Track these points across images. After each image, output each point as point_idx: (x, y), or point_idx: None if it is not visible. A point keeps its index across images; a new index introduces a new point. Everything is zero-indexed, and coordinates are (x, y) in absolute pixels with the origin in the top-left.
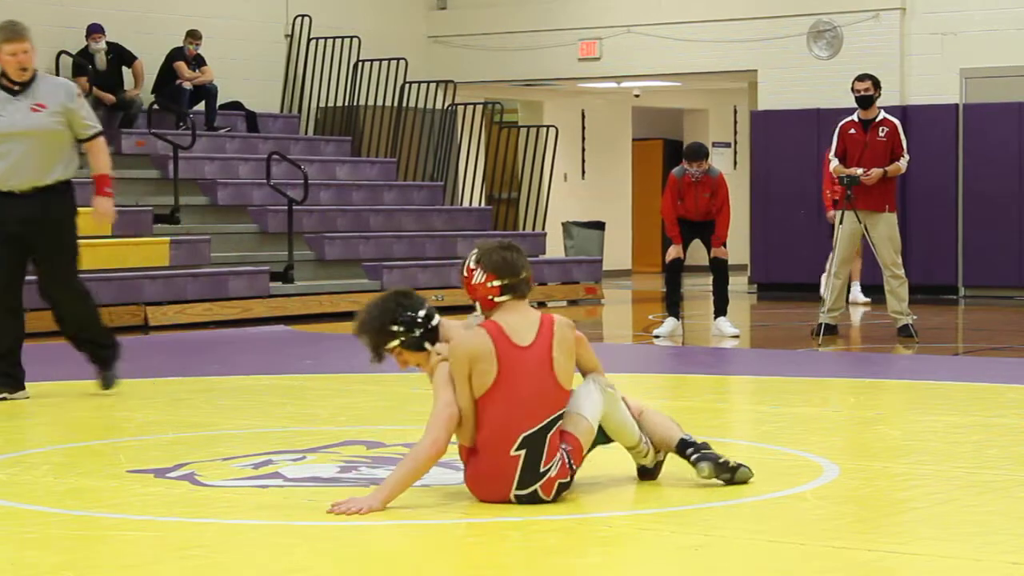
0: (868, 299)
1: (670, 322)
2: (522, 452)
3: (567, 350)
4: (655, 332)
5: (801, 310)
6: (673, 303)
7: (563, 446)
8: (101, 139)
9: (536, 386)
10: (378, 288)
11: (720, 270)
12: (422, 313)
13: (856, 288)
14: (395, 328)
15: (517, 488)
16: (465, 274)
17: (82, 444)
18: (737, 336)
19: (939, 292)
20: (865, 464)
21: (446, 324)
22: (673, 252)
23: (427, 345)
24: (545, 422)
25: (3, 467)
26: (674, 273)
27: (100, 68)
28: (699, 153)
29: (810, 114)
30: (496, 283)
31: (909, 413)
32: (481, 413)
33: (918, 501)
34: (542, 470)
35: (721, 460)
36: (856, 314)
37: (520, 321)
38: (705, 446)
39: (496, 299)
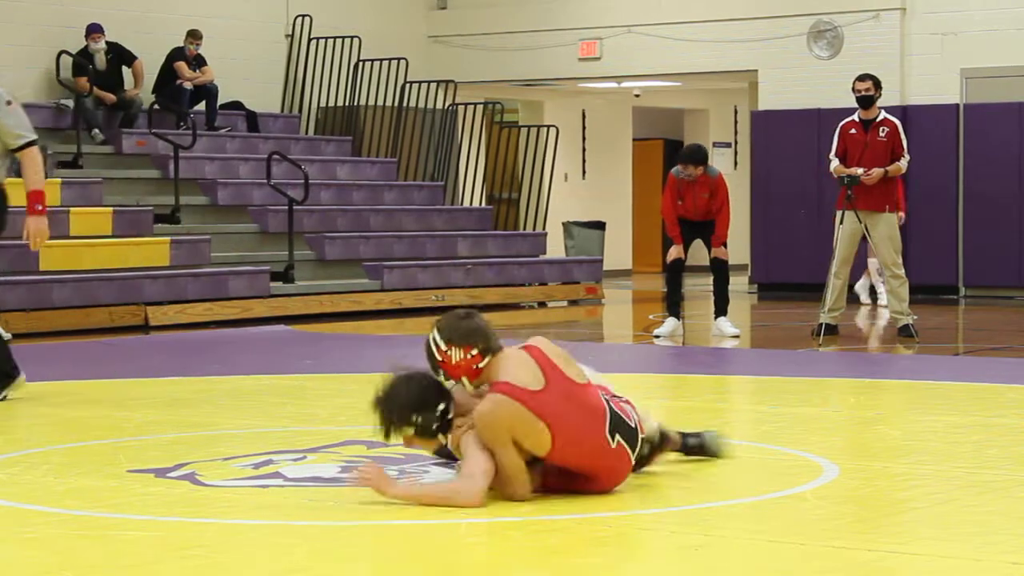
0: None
1: (671, 322)
2: (616, 436)
3: (563, 356)
4: (656, 332)
5: (801, 310)
6: (674, 303)
7: (622, 398)
8: (34, 150)
9: (580, 404)
10: (378, 288)
11: (720, 270)
12: (442, 408)
13: (880, 287)
14: (415, 418)
15: (635, 457)
16: (441, 358)
17: (82, 444)
18: (737, 336)
19: (939, 292)
20: (865, 464)
21: (458, 396)
22: (674, 252)
23: (440, 436)
24: (608, 413)
25: (3, 467)
26: (675, 273)
27: (100, 68)
28: (694, 157)
29: (811, 114)
30: (475, 352)
31: (909, 413)
32: (563, 457)
33: (918, 501)
34: (632, 426)
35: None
36: (879, 319)
37: (518, 369)
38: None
39: (480, 366)
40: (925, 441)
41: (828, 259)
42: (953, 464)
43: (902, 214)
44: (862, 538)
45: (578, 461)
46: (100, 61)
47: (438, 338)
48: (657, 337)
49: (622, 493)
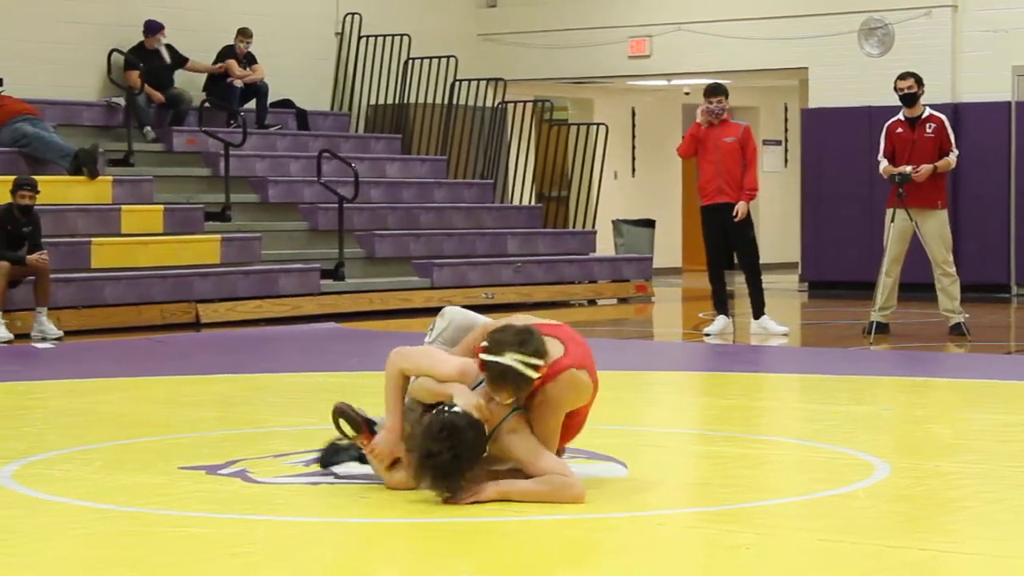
0: None
1: (720, 320)
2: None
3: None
4: (706, 330)
5: (852, 308)
6: (721, 301)
7: None
8: None
9: (579, 341)
10: (428, 285)
11: (751, 269)
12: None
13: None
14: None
15: None
16: (540, 374)
17: (133, 441)
18: (786, 334)
19: (991, 290)
20: (916, 463)
21: (482, 407)
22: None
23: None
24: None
25: (55, 463)
26: (718, 271)
27: (169, 63)
28: (717, 88)
29: (861, 112)
30: (542, 361)
31: (960, 412)
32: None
33: (969, 500)
34: None
35: None
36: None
37: (550, 345)
38: None
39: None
40: (976, 440)
41: (879, 257)
42: (1004, 463)
43: None
44: (913, 537)
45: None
46: (164, 57)
47: (534, 358)
48: (707, 335)
49: (673, 492)
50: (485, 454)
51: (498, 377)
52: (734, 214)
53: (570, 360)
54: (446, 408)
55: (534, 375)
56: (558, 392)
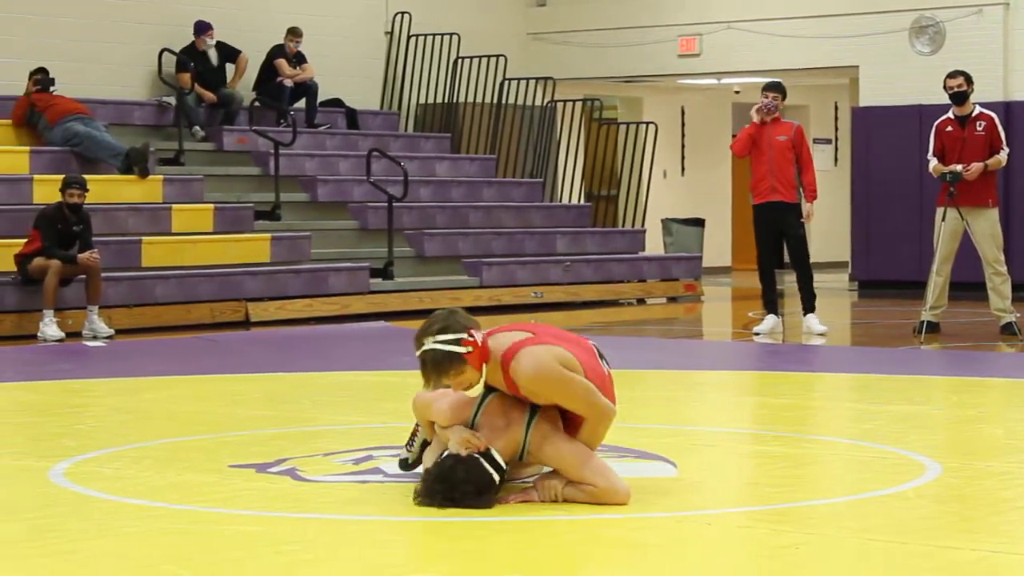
0: None
1: (770, 319)
2: (604, 362)
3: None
4: (755, 329)
5: (903, 308)
6: (770, 300)
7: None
8: None
9: (571, 341)
10: (477, 284)
11: (802, 266)
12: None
13: None
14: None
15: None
16: (470, 348)
17: (184, 439)
18: (824, 334)
19: None
20: (967, 463)
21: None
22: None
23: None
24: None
25: (106, 461)
26: (768, 270)
27: (214, 64)
28: (777, 85)
29: (912, 111)
30: (480, 332)
31: (1012, 411)
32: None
33: (1021, 500)
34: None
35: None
36: None
37: (511, 333)
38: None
39: (488, 346)
40: None
41: (929, 256)
42: None
43: None
44: (965, 537)
45: (604, 393)
46: (213, 57)
47: (451, 334)
48: (757, 335)
49: (722, 491)
50: (505, 470)
51: (427, 366)
52: (804, 217)
53: (531, 341)
54: (441, 456)
55: (460, 349)
56: (528, 366)
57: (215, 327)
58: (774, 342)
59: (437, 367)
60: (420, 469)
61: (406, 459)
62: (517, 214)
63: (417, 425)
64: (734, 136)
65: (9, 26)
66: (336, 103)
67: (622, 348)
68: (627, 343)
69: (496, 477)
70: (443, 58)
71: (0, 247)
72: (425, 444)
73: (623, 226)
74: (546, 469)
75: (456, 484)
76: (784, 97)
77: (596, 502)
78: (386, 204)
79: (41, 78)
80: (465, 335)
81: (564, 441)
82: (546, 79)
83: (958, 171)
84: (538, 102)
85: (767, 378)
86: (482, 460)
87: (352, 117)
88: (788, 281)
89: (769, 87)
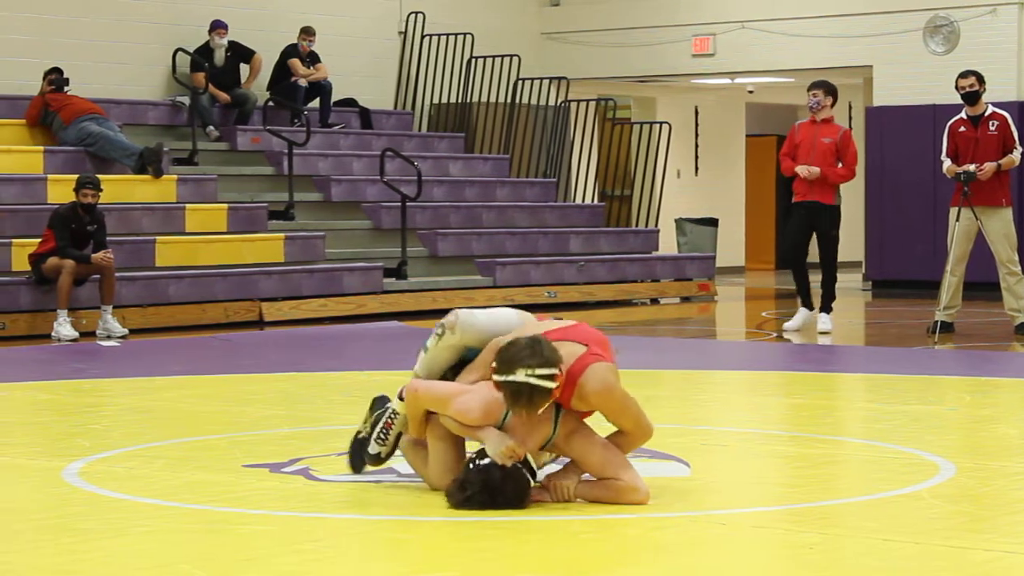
0: None
1: (802, 313)
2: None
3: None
4: (785, 324)
5: (916, 307)
6: (804, 293)
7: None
8: None
9: (599, 340)
10: (491, 284)
11: (830, 266)
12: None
13: None
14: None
15: None
16: (558, 383)
17: (198, 439)
18: (827, 333)
19: None
20: (982, 463)
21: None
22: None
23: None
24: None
25: (120, 461)
26: (800, 266)
27: (219, 64)
28: (827, 84)
29: (926, 110)
30: (556, 369)
31: None
32: None
33: None
34: None
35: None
36: None
37: (564, 349)
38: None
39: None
40: None
41: (943, 256)
42: None
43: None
44: (979, 538)
45: None
46: (219, 57)
47: (548, 369)
48: (787, 329)
49: (738, 491)
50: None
51: (514, 397)
52: (809, 177)
53: (591, 357)
54: (477, 460)
55: (550, 385)
56: (598, 382)
57: (229, 327)
58: (789, 341)
59: (532, 402)
60: (394, 464)
61: (378, 453)
62: (531, 214)
63: (391, 417)
64: (748, 137)
65: (24, 26)
66: (350, 103)
67: (636, 348)
68: (641, 343)
69: (533, 484)
70: (457, 58)
71: (14, 247)
72: (398, 437)
73: (637, 226)
74: (555, 466)
75: (504, 496)
76: (829, 94)
77: (613, 500)
78: (400, 204)
79: (55, 78)
80: (556, 370)
81: (593, 435)
82: (560, 79)
83: (972, 171)
84: (552, 102)
85: (781, 378)
86: (524, 470)
87: (366, 117)
88: (816, 280)
89: (812, 85)
